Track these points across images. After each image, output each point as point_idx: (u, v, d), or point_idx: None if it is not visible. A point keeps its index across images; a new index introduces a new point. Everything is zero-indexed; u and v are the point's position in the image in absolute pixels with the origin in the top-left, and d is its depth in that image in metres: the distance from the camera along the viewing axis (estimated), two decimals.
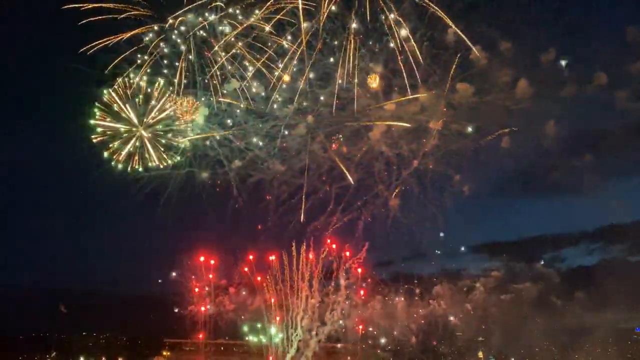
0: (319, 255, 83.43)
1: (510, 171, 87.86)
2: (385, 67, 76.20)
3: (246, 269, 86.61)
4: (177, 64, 78.20)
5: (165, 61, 78.17)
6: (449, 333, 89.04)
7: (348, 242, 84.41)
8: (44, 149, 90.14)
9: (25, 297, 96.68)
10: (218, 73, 78.53)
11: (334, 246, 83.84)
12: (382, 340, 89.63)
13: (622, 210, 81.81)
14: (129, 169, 79.00)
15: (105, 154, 78.17)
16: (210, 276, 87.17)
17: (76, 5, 71.96)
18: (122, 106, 78.05)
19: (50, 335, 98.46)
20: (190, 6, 74.57)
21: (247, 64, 78.17)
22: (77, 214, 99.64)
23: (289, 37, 75.91)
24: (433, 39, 74.03)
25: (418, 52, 73.49)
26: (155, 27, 76.28)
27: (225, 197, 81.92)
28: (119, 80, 77.44)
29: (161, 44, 77.20)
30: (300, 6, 72.85)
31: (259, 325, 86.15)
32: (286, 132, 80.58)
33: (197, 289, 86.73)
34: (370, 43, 75.84)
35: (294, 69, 76.90)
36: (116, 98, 77.86)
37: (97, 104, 77.81)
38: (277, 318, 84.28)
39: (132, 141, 78.44)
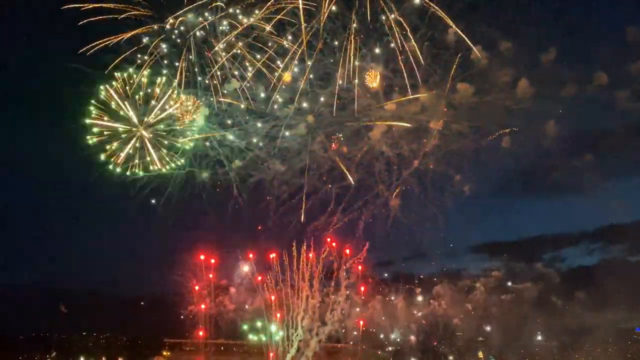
0: (319, 255, 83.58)
1: (510, 171, 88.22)
2: (386, 67, 76.41)
3: (246, 269, 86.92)
4: (177, 64, 78.28)
5: (165, 61, 78.15)
6: (449, 333, 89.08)
7: (348, 242, 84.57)
8: (45, 149, 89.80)
9: (25, 297, 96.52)
10: (218, 73, 78.65)
11: (334, 244, 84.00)
12: (381, 336, 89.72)
13: (622, 210, 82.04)
14: (128, 172, 77.95)
15: (102, 156, 76.99)
16: (211, 275, 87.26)
17: (76, 5, 71.96)
18: (121, 104, 76.69)
19: (50, 335, 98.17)
20: (190, 6, 74.68)
21: (247, 64, 78.33)
22: (77, 214, 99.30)
23: (290, 37, 76.10)
24: (433, 39, 74.42)
25: (418, 52, 73.75)
26: (155, 27, 76.31)
27: (226, 197, 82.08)
28: (118, 75, 76.03)
29: (161, 44, 77.20)
30: (301, 6, 73.03)
31: (259, 324, 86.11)
32: (287, 133, 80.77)
33: (197, 287, 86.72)
34: (371, 43, 76.02)
35: (295, 69, 77.12)
36: (114, 95, 76.36)
37: (93, 101, 76.31)
38: (278, 315, 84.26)
39: (132, 142, 77.36)
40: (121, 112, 77.18)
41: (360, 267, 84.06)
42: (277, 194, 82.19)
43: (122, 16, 74.10)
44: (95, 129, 76.37)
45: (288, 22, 75.11)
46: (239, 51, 77.58)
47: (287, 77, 76.92)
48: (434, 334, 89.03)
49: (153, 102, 77.53)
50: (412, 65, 74.28)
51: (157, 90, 77.43)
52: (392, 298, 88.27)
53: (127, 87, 76.71)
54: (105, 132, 76.96)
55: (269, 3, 73.76)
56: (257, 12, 75.38)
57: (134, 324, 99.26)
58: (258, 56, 77.49)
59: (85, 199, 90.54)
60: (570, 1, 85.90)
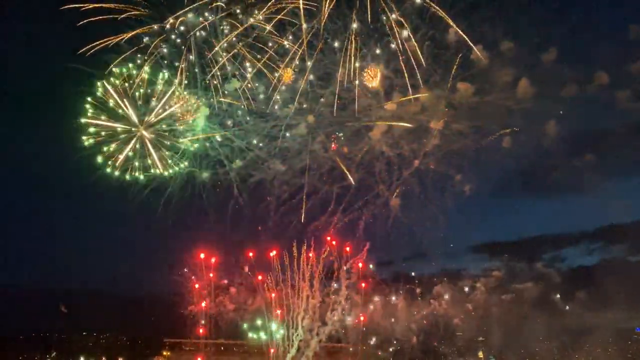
0: (319, 255, 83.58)
1: (510, 171, 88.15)
2: (387, 67, 76.27)
3: (247, 269, 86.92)
4: (176, 64, 78.15)
5: (165, 61, 78.02)
6: (450, 333, 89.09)
7: (349, 241, 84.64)
8: (45, 149, 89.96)
9: (25, 297, 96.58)
10: (219, 73, 78.54)
11: (334, 243, 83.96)
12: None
13: (622, 210, 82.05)
14: (127, 176, 76.67)
15: (100, 159, 75.50)
16: (211, 275, 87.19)
17: (76, 5, 71.72)
18: (120, 102, 75.17)
19: (50, 335, 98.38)
20: (191, 6, 74.58)
21: (247, 64, 78.25)
22: (77, 214, 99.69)
23: (290, 37, 76.06)
24: (434, 38, 74.18)
25: (419, 52, 73.65)
26: (156, 27, 76.13)
27: (226, 197, 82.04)
28: (116, 70, 74.55)
29: (161, 44, 77.03)
30: (301, 6, 72.94)
31: (259, 322, 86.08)
32: (287, 134, 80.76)
33: (197, 285, 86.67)
34: (372, 43, 75.95)
35: (296, 70, 77.06)
36: (112, 93, 74.74)
37: (89, 99, 74.81)
38: (279, 311, 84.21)
39: (132, 143, 76.13)
40: (120, 111, 76.01)
41: (360, 264, 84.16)
42: (278, 193, 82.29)
43: (122, 16, 73.90)
44: (91, 129, 75.15)
45: (288, 22, 75.23)
46: (239, 51, 77.53)
47: (289, 74, 76.70)
48: (434, 334, 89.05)
49: (154, 101, 76.31)
50: (412, 65, 74.37)
51: (159, 87, 76.37)
52: (393, 298, 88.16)
53: (127, 84, 75.34)
54: (102, 133, 75.62)
55: (270, 3, 73.82)
56: (256, 12, 75.36)
57: (134, 324, 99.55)
58: (258, 56, 77.64)
59: (85, 199, 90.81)
60: (571, 1, 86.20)
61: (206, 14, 75.99)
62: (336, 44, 75.67)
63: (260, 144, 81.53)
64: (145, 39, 76.05)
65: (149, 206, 79.37)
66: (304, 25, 73.57)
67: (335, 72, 76.40)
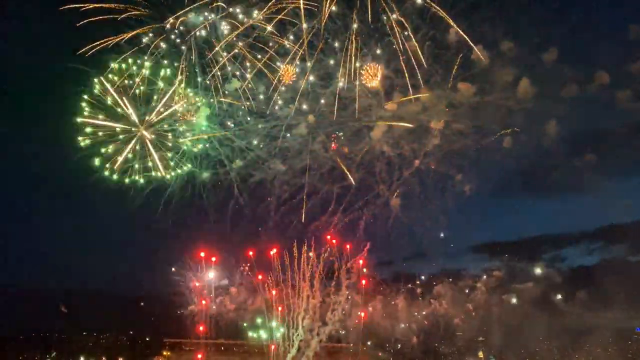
0: (320, 255, 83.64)
1: (511, 171, 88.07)
2: (387, 67, 76.29)
3: (247, 269, 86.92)
4: (176, 64, 77.95)
5: (165, 62, 77.86)
6: (450, 333, 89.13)
7: (349, 242, 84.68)
8: (45, 149, 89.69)
9: (25, 297, 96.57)
10: (219, 73, 78.43)
11: (334, 241, 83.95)
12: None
13: (622, 210, 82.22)
14: (126, 179, 74.56)
15: (97, 161, 73.11)
16: (211, 275, 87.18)
17: (76, 6, 71.50)
18: (119, 100, 72.72)
19: (50, 335, 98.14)
20: (191, 6, 74.43)
21: (248, 64, 78.19)
22: (77, 214, 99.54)
23: (291, 37, 76.04)
24: (435, 39, 74.22)
25: (420, 52, 73.70)
26: (156, 27, 76.07)
27: (226, 197, 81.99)
28: (114, 65, 71.97)
29: (161, 44, 76.93)
30: (302, 6, 72.88)
31: (259, 320, 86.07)
32: (288, 135, 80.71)
33: (197, 284, 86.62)
34: (372, 43, 75.97)
35: (296, 69, 76.96)
36: (111, 90, 72.24)
37: (85, 97, 72.38)
38: (280, 308, 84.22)
39: (131, 144, 74.04)
40: (119, 110, 73.91)
41: (361, 262, 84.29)
42: (278, 193, 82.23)
43: (122, 16, 73.50)
44: (88, 129, 72.96)
45: (289, 22, 75.16)
46: (239, 51, 77.44)
47: (290, 72, 76.60)
48: (434, 334, 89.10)
49: (155, 99, 74.18)
50: (413, 65, 74.48)
51: (160, 84, 74.33)
52: (393, 298, 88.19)
53: (126, 82, 73.13)
54: (100, 133, 73.33)
55: (270, 3, 73.70)
56: (256, 12, 75.30)
57: (134, 324, 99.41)
58: (259, 56, 77.56)
59: (86, 199, 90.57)
60: (571, 1, 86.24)
61: (206, 13, 75.90)
62: (336, 44, 75.82)
63: (261, 145, 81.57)
64: (145, 39, 75.56)
65: (149, 206, 79.16)
66: (304, 25, 73.70)
67: (336, 72, 76.58)
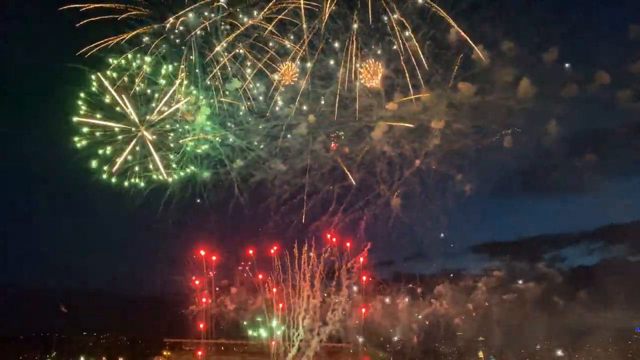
0: (320, 254, 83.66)
1: (511, 171, 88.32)
2: (388, 67, 76.30)
3: (247, 269, 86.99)
4: (176, 64, 77.93)
5: (166, 61, 77.84)
6: (450, 333, 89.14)
7: (349, 239, 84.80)
8: (45, 149, 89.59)
9: (25, 297, 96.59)
10: (219, 73, 78.32)
11: (334, 240, 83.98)
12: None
13: (622, 210, 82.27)
14: (125, 183, 72.43)
15: (94, 163, 70.90)
16: (211, 273, 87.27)
17: (76, 6, 71.37)
18: (118, 98, 70.06)
19: (50, 335, 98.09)
20: (191, 6, 74.35)
21: (248, 64, 78.10)
22: (76, 214, 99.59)
23: (292, 37, 76.05)
24: (435, 39, 74.26)
25: (420, 52, 73.75)
26: (156, 27, 75.91)
27: (227, 197, 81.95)
28: (113, 61, 69.51)
29: (162, 44, 76.74)
30: (302, 6, 72.86)
31: (259, 319, 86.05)
32: (288, 135, 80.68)
33: (197, 282, 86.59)
34: (373, 43, 76.00)
35: (296, 69, 76.93)
36: (109, 87, 69.50)
37: (82, 95, 69.89)
38: (281, 305, 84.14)
39: (131, 145, 71.66)
40: (117, 108, 71.74)
41: (362, 259, 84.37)
42: (279, 193, 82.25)
43: (122, 16, 73.29)
44: (85, 129, 70.81)
45: (289, 22, 75.15)
46: (240, 51, 77.36)
47: (291, 70, 76.49)
48: (434, 334, 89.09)
49: (155, 97, 72.09)
50: (413, 65, 74.56)
51: (162, 81, 72.59)
52: (393, 298, 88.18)
53: (126, 79, 71.04)
54: (97, 133, 71.10)
55: (271, 3, 73.69)
56: (256, 12, 75.29)
57: (134, 324, 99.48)
58: (259, 56, 77.54)
59: (86, 199, 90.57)
60: (571, 1, 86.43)
61: (206, 13, 75.83)
62: (337, 44, 75.83)
63: (262, 145, 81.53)
64: (145, 39, 75.29)
65: (149, 206, 79.08)
66: (305, 25, 73.71)
67: (336, 72, 76.59)
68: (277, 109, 79.11)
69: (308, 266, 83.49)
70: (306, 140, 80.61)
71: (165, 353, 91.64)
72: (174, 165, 74.98)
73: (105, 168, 71.55)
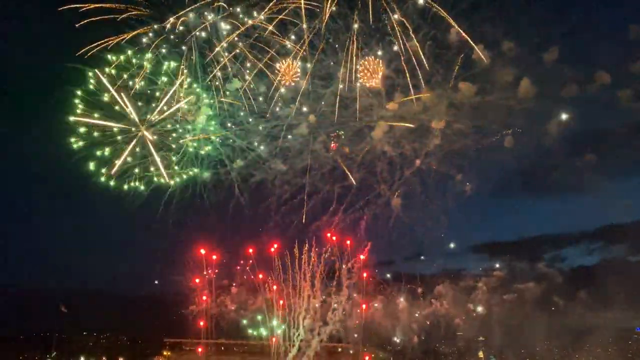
0: (321, 254, 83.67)
1: (511, 171, 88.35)
2: (388, 67, 76.39)
3: (248, 269, 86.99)
4: (177, 64, 77.80)
5: (165, 62, 77.73)
6: (450, 333, 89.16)
7: (349, 238, 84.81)
8: (45, 149, 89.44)
9: (25, 297, 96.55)
10: (220, 73, 78.25)
11: (334, 239, 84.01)
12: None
13: (622, 210, 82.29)
14: (125, 186, 70.87)
15: (92, 165, 68.86)
16: (211, 273, 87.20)
17: (76, 6, 71.26)
18: (117, 96, 68.12)
19: (50, 335, 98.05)
20: (192, 6, 74.29)
21: (248, 64, 78.08)
22: (76, 214, 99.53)
23: (292, 37, 76.05)
24: (435, 39, 74.30)
25: (421, 52, 73.77)
26: (156, 27, 75.82)
27: (227, 197, 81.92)
28: (112, 58, 67.68)
29: (162, 44, 76.65)
30: (303, 6, 72.84)
31: (259, 318, 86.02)
32: (289, 135, 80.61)
33: (197, 280, 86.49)
34: (373, 43, 76.05)
35: (297, 69, 76.93)
36: (108, 85, 67.17)
37: (79, 93, 67.93)
38: (281, 302, 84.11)
39: (131, 146, 69.71)
40: (116, 107, 69.98)
41: (362, 257, 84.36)
42: (279, 193, 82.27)
43: (122, 16, 73.15)
44: (82, 129, 69.05)
45: (290, 22, 75.13)
46: (240, 51, 77.32)
47: (292, 69, 76.43)
48: (434, 334, 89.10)
49: (157, 95, 70.26)
50: (414, 65, 74.65)
51: (164, 79, 71.26)
52: (394, 298, 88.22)
53: (125, 76, 69.12)
54: (95, 134, 69.40)
55: (271, 3, 73.67)
56: (256, 12, 75.28)
57: (134, 324, 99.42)
58: (260, 56, 77.50)
59: (85, 199, 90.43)
60: (571, 1, 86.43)
61: (205, 13, 75.79)
62: (337, 44, 75.92)
63: (262, 145, 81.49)
64: (146, 39, 74.99)
65: (149, 206, 78.97)
66: (305, 26, 73.70)
67: (337, 72, 76.62)
68: (277, 109, 79.19)
69: (308, 266, 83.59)
70: (306, 140, 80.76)
71: (165, 353, 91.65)
72: (175, 167, 73.94)
73: (103, 170, 69.94)
